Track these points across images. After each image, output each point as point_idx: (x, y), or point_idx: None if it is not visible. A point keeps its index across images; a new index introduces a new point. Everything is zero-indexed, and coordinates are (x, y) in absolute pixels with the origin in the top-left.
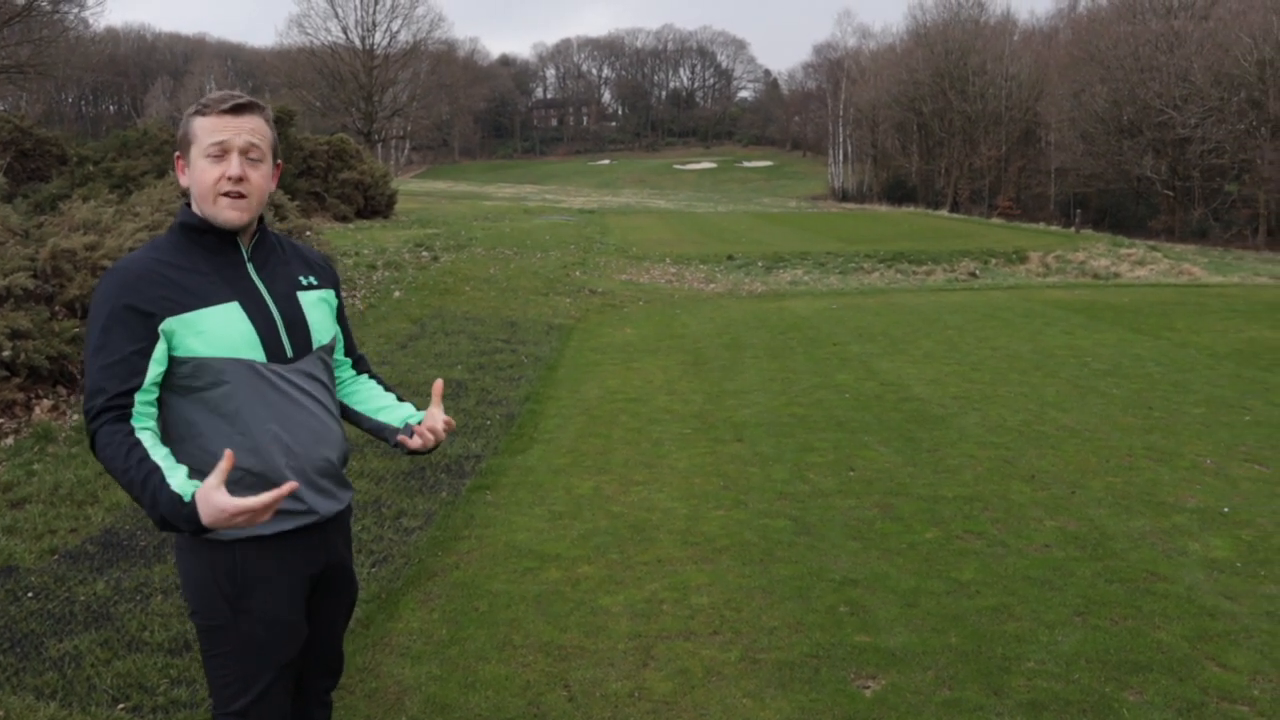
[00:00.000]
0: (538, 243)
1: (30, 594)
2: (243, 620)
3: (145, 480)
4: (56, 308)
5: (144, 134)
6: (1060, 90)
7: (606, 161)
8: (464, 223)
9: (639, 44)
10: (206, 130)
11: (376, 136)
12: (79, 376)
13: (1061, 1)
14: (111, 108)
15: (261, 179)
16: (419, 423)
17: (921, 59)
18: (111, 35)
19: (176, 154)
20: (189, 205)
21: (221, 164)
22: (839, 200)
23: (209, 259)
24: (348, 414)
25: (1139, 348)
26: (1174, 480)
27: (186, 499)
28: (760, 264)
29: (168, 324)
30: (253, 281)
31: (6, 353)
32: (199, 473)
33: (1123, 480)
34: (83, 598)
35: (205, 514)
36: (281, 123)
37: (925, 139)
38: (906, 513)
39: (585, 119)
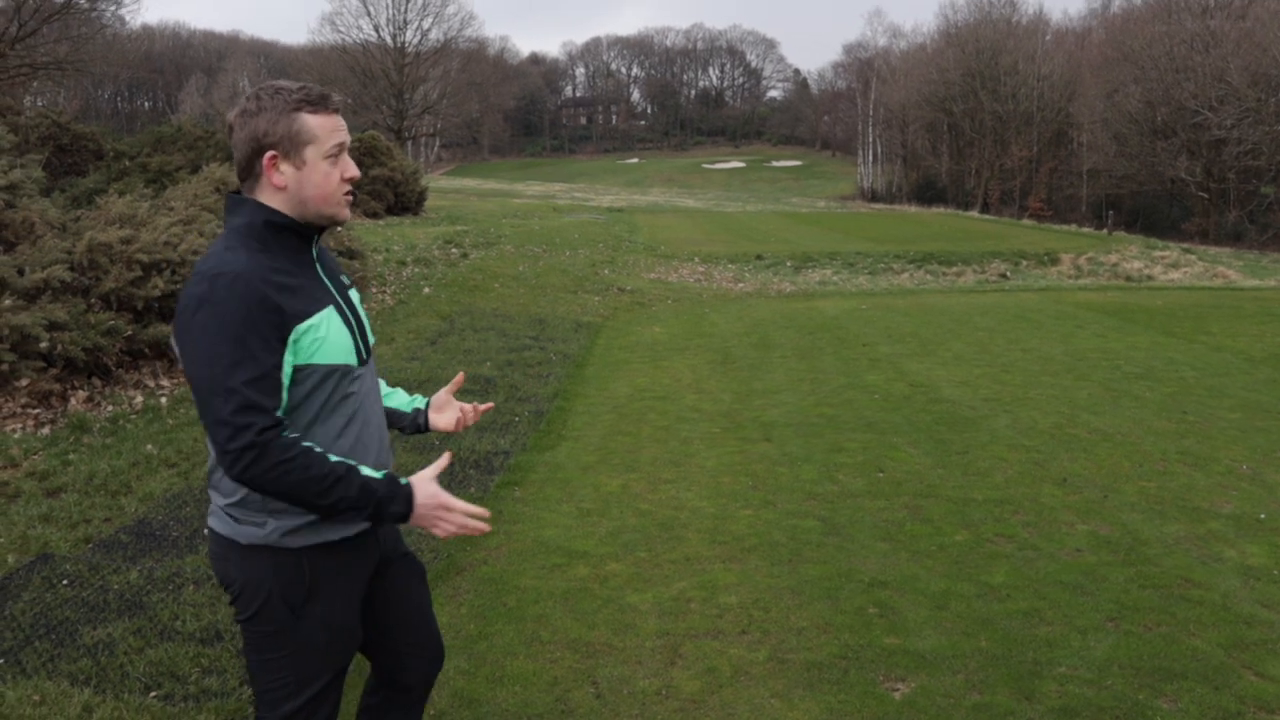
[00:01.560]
0: (566, 241)
1: (65, 582)
2: (304, 625)
3: (348, 475)
4: (93, 300)
5: (178, 130)
6: (1093, 91)
7: (635, 160)
8: (493, 220)
9: (669, 43)
10: (325, 130)
11: (407, 134)
12: (114, 369)
13: (1095, 1)
14: (146, 104)
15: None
16: (425, 405)
17: (952, 58)
18: (147, 32)
19: (272, 152)
20: (260, 204)
21: (339, 165)
22: (868, 200)
23: (293, 260)
24: None
25: (1173, 351)
26: (1209, 485)
27: (404, 480)
28: (789, 264)
29: (295, 331)
30: (326, 282)
31: (44, 344)
32: None
33: (1156, 485)
34: (116, 586)
35: (421, 500)
36: None
37: (955, 139)
38: (936, 515)
39: (614, 117)
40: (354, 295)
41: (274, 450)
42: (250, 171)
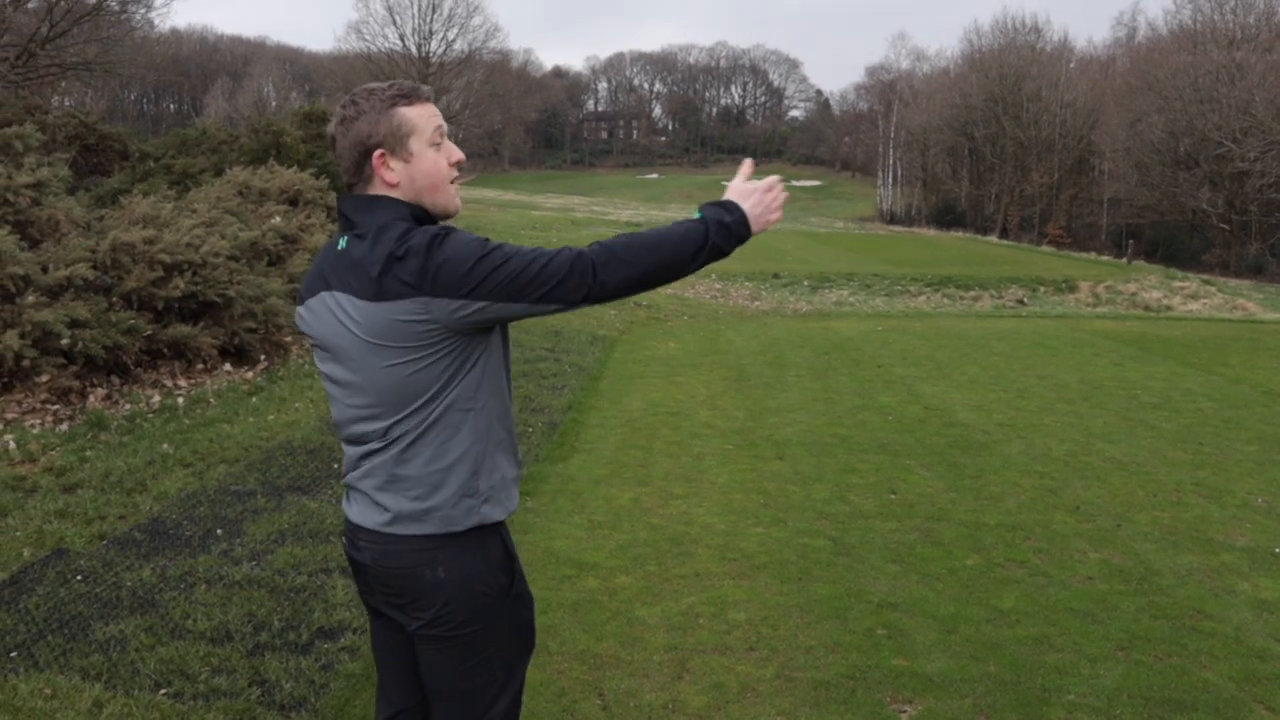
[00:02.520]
0: None
1: (79, 577)
2: (514, 607)
3: (676, 227)
4: (114, 299)
5: (203, 133)
6: (1116, 119)
7: (655, 176)
8: (512, 231)
9: (692, 60)
10: (424, 118)
11: None
12: (132, 368)
13: (1120, 30)
14: (172, 106)
15: None
16: None
17: (975, 83)
18: (175, 36)
19: (380, 151)
20: (395, 200)
21: (443, 150)
22: (887, 223)
23: None
24: None
25: (1190, 382)
26: (1223, 518)
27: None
28: (806, 283)
29: None
30: None
31: (65, 341)
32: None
33: (1170, 515)
34: (129, 583)
35: (749, 204)
36: None
37: (976, 164)
38: (947, 538)
39: (635, 133)
40: None
41: (599, 249)
42: (360, 174)
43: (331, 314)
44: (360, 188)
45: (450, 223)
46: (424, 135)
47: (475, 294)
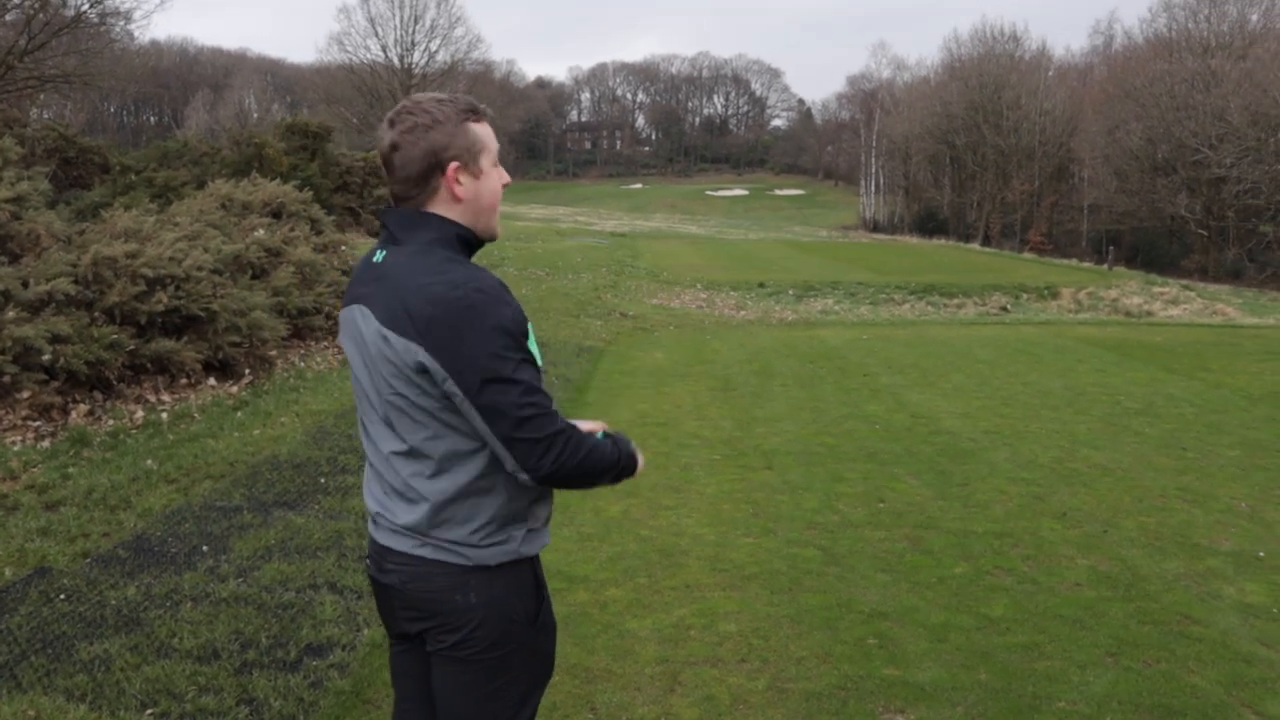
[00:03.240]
0: (569, 264)
1: (63, 596)
2: (539, 634)
3: (604, 445)
4: (96, 314)
5: (184, 145)
6: (1094, 126)
7: (638, 185)
8: (496, 243)
9: (674, 70)
10: (491, 137)
11: None
12: (115, 383)
13: (1097, 38)
14: (152, 118)
15: None
16: None
17: (955, 92)
18: (155, 48)
19: (456, 163)
20: (445, 219)
21: (499, 171)
22: (870, 231)
23: None
24: None
25: (1172, 387)
26: (1208, 522)
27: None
28: (791, 292)
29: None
30: None
31: (46, 356)
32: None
33: (1156, 521)
34: (114, 602)
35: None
36: (319, 138)
37: (958, 172)
38: (936, 546)
39: (619, 143)
40: None
41: (576, 435)
42: (425, 186)
43: (356, 327)
44: (417, 201)
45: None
46: (492, 153)
47: (463, 389)
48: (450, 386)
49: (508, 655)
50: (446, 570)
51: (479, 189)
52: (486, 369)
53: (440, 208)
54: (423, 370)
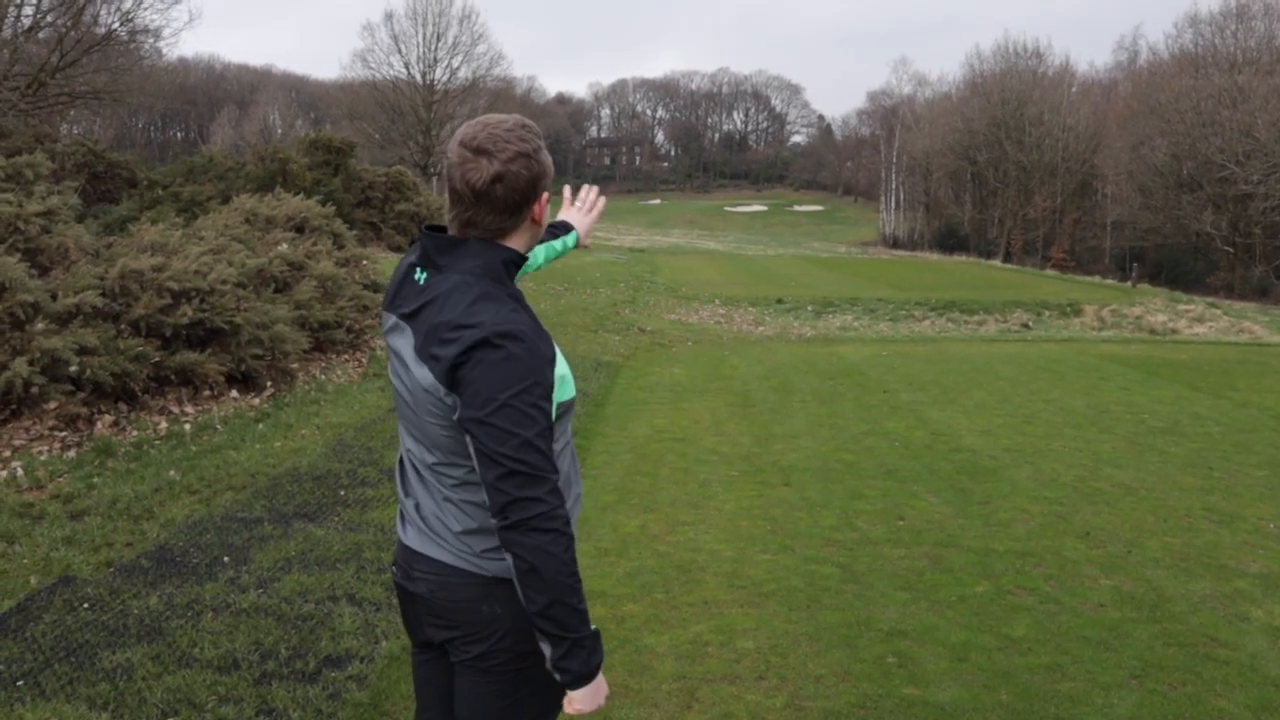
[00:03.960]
0: (588, 279)
1: (86, 605)
2: None
3: (576, 584)
4: (123, 326)
5: (210, 160)
6: (1118, 143)
7: (657, 201)
8: None
9: (694, 86)
10: None
11: (433, 169)
12: (140, 394)
13: (1121, 54)
14: (179, 134)
15: None
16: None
17: (977, 108)
18: (183, 65)
19: (546, 194)
20: (502, 245)
21: None
22: (890, 247)
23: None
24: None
25: (1198, 406)
26: (1235, 543)
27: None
28: (810, 308)
29: (560, 367)
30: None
31: (73, 368)
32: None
33: (1181, 541)
34: (136, 611)
35: (590, 686)
36: (342, 154)
37: (979, 188)
38: (957, 565)
39: (638, 158)
40: None
41: (560, 514)
42: (520, 215)
43: (397, 342)
44: (512, 222)
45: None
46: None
47: (465, 419)
48: (460, 416)
49: (528, 670)
50: (474, 581)
51: (544, 213)
52: (494, 412)
53: (518, 235)
54: (444, 403)
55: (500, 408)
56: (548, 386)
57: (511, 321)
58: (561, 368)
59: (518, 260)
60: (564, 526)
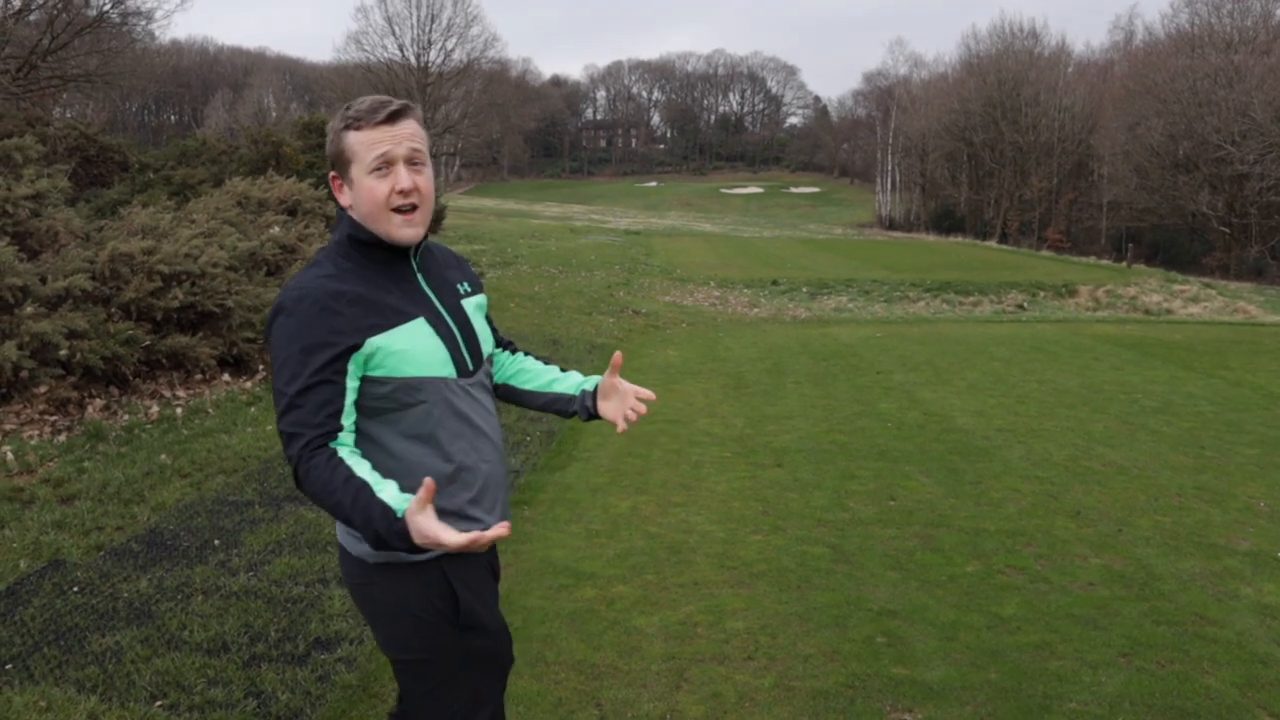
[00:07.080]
0: (583, 262)
1: (76, 588)
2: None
3: (355, 499)
4: (113, 309)
5: (203, 144)
6: (1114, 123)
7: (653, 183)
8: (511, 240)
9: (690, 68)
10: (365, 145)
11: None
12: (131, 378)
13: (1117, 34)
14: (172, 117)
15: (428, 184)
16: (594, 388)
17: (973, 89)
18: (176, 47)
19: (332, 175)
20: (350, 219)
21: (388, 178)
22: (886, 228)
23: (384, 273)
24: (515, 396)
25: (1191, 386)
26: (1225, 522)
27: (399, 514)
28: (805, 290)
29: (367, 345)
30: (427, 294)
31: (63, 352)
32: (409, 491)
33: (1172, 520)
34: (126, 595)
35: (414, 535)
36: None
37: (975, 169)
38: (947, 545)
39: (634, 141)
40: (473, 302)
41: (307, 464)
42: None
43: None
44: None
45: (448, 233)
46: (363, 163)
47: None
48: None
49: (430, 662)
50: (358, 565)
51: (356, 198)
52: (274, 371)
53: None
54: None
55: (274, 356)
56: (317, 342)
57: (301, 280)
58: (400, 343)
59: (363, 238)
60: (316, 478)
